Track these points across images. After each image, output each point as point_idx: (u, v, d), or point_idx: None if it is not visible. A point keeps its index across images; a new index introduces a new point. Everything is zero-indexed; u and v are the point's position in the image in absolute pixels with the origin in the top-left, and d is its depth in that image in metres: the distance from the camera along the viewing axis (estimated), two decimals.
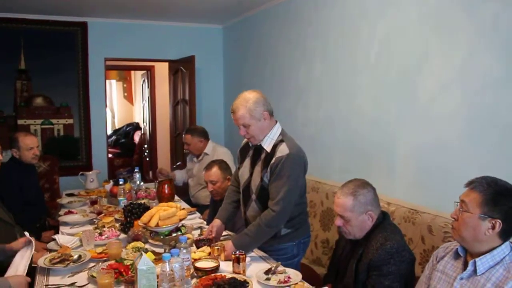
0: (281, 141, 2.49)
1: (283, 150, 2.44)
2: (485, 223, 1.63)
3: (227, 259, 2.37)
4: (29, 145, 3.59)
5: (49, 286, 2.07)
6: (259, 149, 2.56)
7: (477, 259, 1.65)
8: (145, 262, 1.75)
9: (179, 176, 4.60)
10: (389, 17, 3.15)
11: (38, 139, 3.91)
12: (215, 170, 3.31)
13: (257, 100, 2.45)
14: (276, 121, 2.57)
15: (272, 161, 2.44)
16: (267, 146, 2.51)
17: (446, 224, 2.44)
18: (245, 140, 2.71)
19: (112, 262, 2.29)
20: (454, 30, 2.63)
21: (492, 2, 2.40)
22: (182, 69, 5.99)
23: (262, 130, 2.49)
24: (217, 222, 2.71)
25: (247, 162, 2.66)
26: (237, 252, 2.21)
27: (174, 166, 6.39)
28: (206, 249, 2.47)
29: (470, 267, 1.67)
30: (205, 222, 3.24)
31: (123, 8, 5.16)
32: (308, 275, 2.49)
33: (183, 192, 4.60)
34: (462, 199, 1.70)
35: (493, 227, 1.62)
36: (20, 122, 5.50)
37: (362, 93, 3.44)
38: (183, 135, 4.40)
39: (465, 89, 2.57)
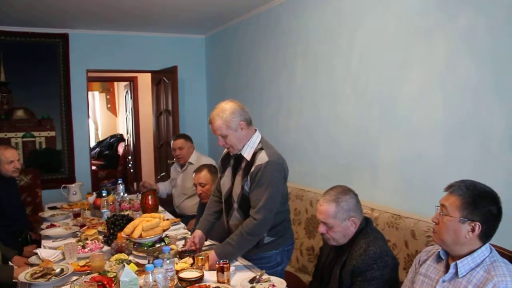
0: (261, 149, 2.50)
1: (262, 158, 2.45)
2: (465, 226, 1.65)
3: (211, 269, 2.35)
4: (9, 158, 3.55)
5: None
6: (239, 158, 2.57)
7: (458, 262, 1.67)
8: (127, 274, 1.74)
9: (163, 188, 4.58)
10: (368, 26, 3.19)
11: (19, 152, 3.85)
12: (204, 173, 3.37)
13: (233, 110, 2.47)
14: (256, 130, 2.58)
15: (252, 169, 2.45)
16: (247, 154, 2.52)
17: (429, 228, 2.46)
18: (226, 150, 2.72)
19: (96, 274, 2.25)
20: (432, 38, 2.68)
21: (468, 10, 2.45)
22: (165, 80, 5.98)
23: (240, 140, 2.50)
24: (198, 232, 2.70)
25: (228, 172, 2.66)
26: (221, 262, 2.20)
27: (158, 177, 6.36)
28: (189, 260, 2.46)
29: (451, 270, 1.69)
30: (189, 233, 3.22)
31: (105, 19, 5.15)
32: (294, 283, 2.50)
33: (167, 203, 4.58)
34: (442, 203, 1.72)
35: (473, 230, 1.64)
36: (0, 135, 5.43)
37: (343, 101, 3.47)
38: (174, 141, 4.36)
39: (445, 96, 2.61)
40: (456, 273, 1.67)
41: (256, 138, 2.55)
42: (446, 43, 2.59)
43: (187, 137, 4.38)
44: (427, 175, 2.73)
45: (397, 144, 2.97)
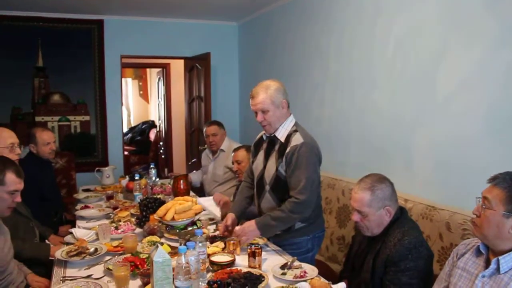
0: (295, 131, 2.52)
1: (297, 139, 2.46)
2: (509, 221, 1.58)
3: (245, 235, 2.40)
4: (46, 140, 3.63)
5: (66, 278, 2.09)
6: (273, 140, 2.58)
7: (500, 257, 1.60)
8: (161, 255, 1.75)
9: (195, 178, 4.61)
10: (406, 13, 3.10)
11: (55, 135, 3.95)
12: (241, 151, 3.52)
13: (279, 88, 2.51)
14: (291, 113, 2.59)
15: (287, 150, 2.46)
16: (281, 136, 2.53)
17: (465, 221, 2.39)
18: (259, 135, 2.74)
19: (128, 255, 2.30)
20: (473, 25, 2.58)
21: None
22: (198, 66, 6.00)
23: (278, 118, 2.52)
24: (231, 215, 2.72)
25: (260, 155, 2.68)
26: (253, 247, 2.20)
27: (189, 163, 6.40)
28: (220, 244, 2.47)
29: (493, 265, 1.62)
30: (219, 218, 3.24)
31: (139, 6, 5.18)
32: (323, 272, 2.48)
33: (198, 189, 4.61)
34: (485, 195, 1.65)
35: None
36: (37, 119, 5.57)
37: (379, 89, 3.40)
38: (207, 128, 4.37)
39: (485, 85, 2.51)
40: (498, 269, 1.61)
41: (290, 122, 2.57)
42: (487, 31, 2.49)
43: (220, 124, 4.39)
44: (464, 166, 2.65)
45: (434, 133, 2.88)
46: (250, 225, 2.44)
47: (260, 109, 2.49)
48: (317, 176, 2.52)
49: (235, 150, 3.61)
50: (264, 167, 2.61)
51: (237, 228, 2.49)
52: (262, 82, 2.54)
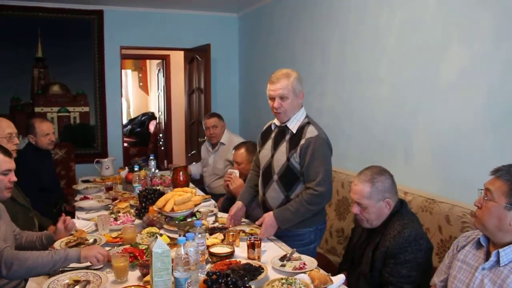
0: (308, 123, 2.53)
1: (312, 131, 2.48)
2: (510, 213, 1.57)
3: (265, 231, 2.44)
4: (45, 131, 3.62)
5: (65, 268, 2.08)
6: (283, 130, 2.59)
7: (500, 250, 1.60)
8: (160, 245, 1.74)
9: (195, 170, 4.60)
10: (408, 4, 3.08)
11: (54, 126, 3.93)
12: (242, 151, 3.44)
13: (298, 77, 2.53)
14: (302, 105, 2.61)
15: (302, 142, 2.46)
16: (293, 127, 2.54)
17: (464, 214, 2.39)
18: (267, 124, 2.76)
19: (127, 246, 2.29)
20: (474, 16, 2.56)
21: None
22: (198, 58, 5.97)
23: (294, 108, 2.52)
24: (238, 204, 2.75)
25: (268, 144, 2.68)
26: (252, 238, 2.20)
27: (189, 155, 6.40)
28: (219, 235, 2.46)
29: (493, 258, 1.62)
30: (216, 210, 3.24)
31: None
32: (323, 264, 2.48)
33: (196, 182, 4.61)
34: (487, 187, 1.64)
35: None
36: (37, 109, 5.55)
37: (380, 80, 3.38)
38: (207, 120, 4.35)
39: (485, 76, 2.50)
40: (498, 261, 1.61)
41: (302, 113, 2.58)
42: (489, 22, 2.47)
43: (220, 116, 4.38)
44: (464, 159, 2.64)
45: (434, 126, 2.87)
46: (270, 219, 2.47)
47: (279, 95, 2.47)
48: (331, 169, 2.55)
49: (236, 148, 3.55)
50: (272, 156, 2.61)
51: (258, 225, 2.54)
52: (282, 69, 2.54)
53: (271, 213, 2.50)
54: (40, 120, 3.70)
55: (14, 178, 2.22)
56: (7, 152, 2.21)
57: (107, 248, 2.33)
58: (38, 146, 3.61)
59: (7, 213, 2.27)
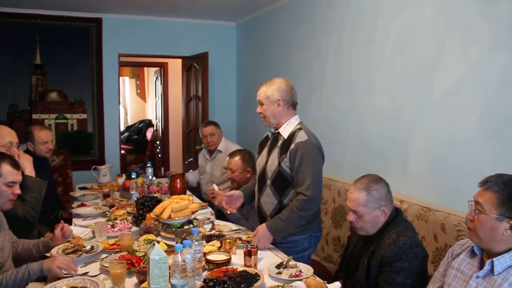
0: (299, 129, 2.57)
1: (302, 136, 2.52)
2: (502, 224, 1.58)
3: (259, 242, 2.44)
4: (44, 139, 3.61)
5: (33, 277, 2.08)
6: (276, 137, 2.65)
7: (494, 259, 1.61)
8: (157, 252, 1.76)
9: (192, 177, 4.62)
10: (404, 13, 3.12)
11: (52, 134, 3.91)
12: (236, 160, 3.47)
13: (279, 87, 2.60)
14: (296, 114, 2.67)
15: (292, 146, 2.50)
16: (285, 133, 2.59)
17: (460, 222, 2.41)
18: (265, 134, 2.82)
19: (124, 253, 2.30)
20: (469, 27, 2.60)
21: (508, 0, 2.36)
22: (195, 66, 6.00)
23: (274, 115, 2.61)
24: (238, 192, 2.83)
25: (264, 151, 2.73)
26: (249, 246, 2.21)
27: (186, 163, 6.41)
28: (216, 243, 2.48)
29: (487, 267, 1.63)
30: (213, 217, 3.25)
31: (137, 4, 5.19)
32: (319, 271, 2.48)
33: (194, 189, 4.62)
34: (477, 200, 1.65)
35: None
36: (34, 116, 5.56)
37: (376, 89, 3.41)
38: (204, 128, 4.38)
39: (481, 85, 2.53)
40: (492, 270, 1.62)
41: (295, 121, 2.64)
42: (483, 32, 2.51)
43: (216, 124, 4.41)
44: (460, 167, 2.66)
45: (430, 135, 2.90)
46: (263, 230, 2.49)
47: (258, 101, 2.64)
48: (321, 173, 2.57)
49: (231, 155, 3.57)
50: (266, 162, 2.65)
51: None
52: (275, 78, 2.67)
53: (264, 224, 2.52)
54: (39, 128, 3.69)
55: (18, 191, 2.23)
56: (15, 164, 2.23)
57: (104, 255, 2.34)
58: (35, 154, 3.60)
59: (5, 222, 2.28)
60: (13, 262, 2.30)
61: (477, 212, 1.64)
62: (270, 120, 2.63)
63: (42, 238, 2.92)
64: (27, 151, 3.62)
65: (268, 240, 2.50)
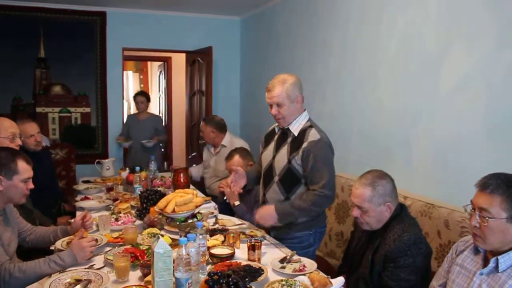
0: (310, 126, 2.54)
1: (314, 135, 2.49)
2: None
3: (261, 218, 2.47)
4: (29, 132, 3.46)
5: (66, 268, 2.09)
6: (285, 133, 2.60)
7: (499, 257, 1.61)
8: (162, 246, 1.76)
9: (195, 172, 4.61)
10: (409, 9, 3.11)
11: (38, 126, 3.65)
12: (236, 158, 3.46)
13: (295, 82, 2.51)
14: (305, 109, 2.61)
15: (304, 145, 2.47)
16: (295, 130, 2.55)
17: (463, 219, 2.40)
18: (271, 127, 2.77)
19: (128, 246, 2.30)
20: (475, 24, 2.59)
21: None
22: (199, 60, 6.00)
23: (293, 113, 2.53)
24: (241, 169, 2.81)
25: (271, 146, 2.70)
26: (253, 240, 2.21)
27: (189, 157, 6.41)
28: (220, 237, 2.48)
29: (491, 264, 1.63)
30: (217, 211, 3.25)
31: None
32: (322, 267, 2.48)
33: (198, 183, 4.62)
34: (481, 206, 1.62)
35: None
36: (38, 110, 5.58)
37: (381, 86, 3.41)
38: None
39: (487, 83, 2.52)
40: (496, 267, 1.61)
41: (305, 117, 2.59)
42: (489, 29, 2.50)
43: (209, 122, 4.33)
44: (464, 164, 2.66)
45: (434, 131, 2.89)
46: (269, 208, 2.49)
47: (275, 103, 2.50)
48: (335, 173, 2.55)
49: (228, 157, 3.56)
50: (274, 157, 2.63)
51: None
52: (279, 75, 2.54)
53: (272, 205, 2.51)
54: (22, 122, 3.42)
55: (32, 186, 2.26)
56: (28, 161, 2.25)
57: (108, 248, 2.34)
58: (26, 149, 3.37)
59: (14, 216, 2.31)
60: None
61: (486, 218, 1.60)
62: (289, 119, 2.54)
63: (60, 226, 2.90)
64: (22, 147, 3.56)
65: (271, 219, 2.49)
